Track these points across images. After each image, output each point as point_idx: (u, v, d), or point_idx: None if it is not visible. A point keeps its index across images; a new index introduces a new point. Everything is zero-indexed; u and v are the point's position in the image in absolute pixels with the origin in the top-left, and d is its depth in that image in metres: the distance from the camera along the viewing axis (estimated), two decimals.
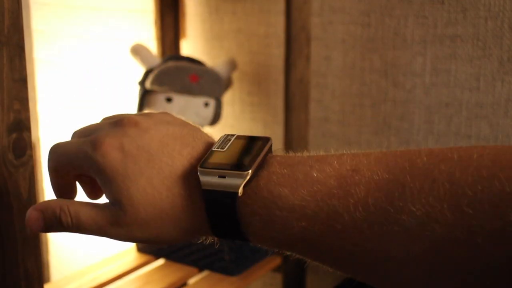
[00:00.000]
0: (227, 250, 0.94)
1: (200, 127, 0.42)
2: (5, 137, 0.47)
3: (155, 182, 0.37)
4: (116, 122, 0.40)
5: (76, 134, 0.42)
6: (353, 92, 1.06)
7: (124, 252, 0.99)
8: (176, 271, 0.93)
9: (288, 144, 1.02)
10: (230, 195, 0.35)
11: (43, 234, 1.02)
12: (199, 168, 0.36)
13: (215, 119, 1.03)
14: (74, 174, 0.42)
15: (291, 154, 0.38)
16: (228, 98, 1.17)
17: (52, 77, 0.95)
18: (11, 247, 0.49)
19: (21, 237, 0.50)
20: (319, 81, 1.09)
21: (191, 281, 0.95)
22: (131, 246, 1.01)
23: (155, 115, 0.41)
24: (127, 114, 0.41)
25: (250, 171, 0.35)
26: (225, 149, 0.38)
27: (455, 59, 0.96)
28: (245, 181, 0.35)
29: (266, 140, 0.38)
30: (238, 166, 0.36)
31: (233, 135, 0.39)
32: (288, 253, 0.37)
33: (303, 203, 0.33)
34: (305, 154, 0.37)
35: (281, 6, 1.07)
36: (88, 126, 0.42)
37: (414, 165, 0.31)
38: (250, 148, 0.37)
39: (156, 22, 1.12)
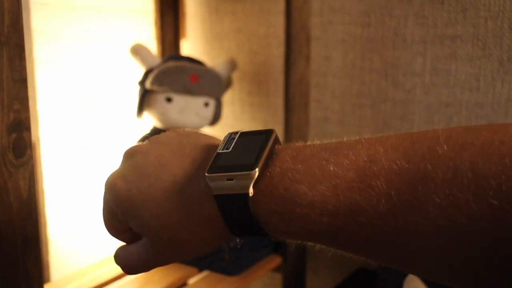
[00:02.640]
0: (227, 250, 0.94)
1: (203, 131, 0.42)
2: (5, 137, 0.47)
3: (161, 203, 0.37)
4: (122, 158, 0.42)
5: None
6: (353, 92, 1.06)
7: None
8: (176, 271, 0.93)
9: None
10: (241, 196, 0.35)
11: (43, 234, 1.02)
12: (206, 174, 0.36)
13: (215, 119, 1.03)
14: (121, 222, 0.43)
15: (300, 144, 0.37)
16: (228, 98, 1.17)
17: (52, 77, 0.95)
18: (11, 247, 0.49)
19: (21, 237, 0.50)
20: (319, 81, 1.09)
21: (191, 281, 0.95)
22: None
23: (155, 138, 0.42)
24: (131, 147, 0.42)
25: (257, 169, 0.35)
26: (230, 149, 0.37)
27: (455, 59, 0.96)
28: (254, 180, 0.35)
29: (269, 133, 0.38)
30: (244, 166, 0.35)
31: (236, 133, 0.39)
32: (311, 244, 0.37)
33: (323, 199, 0.33)
34: (316, 143, 0.37)
35: (281, 6, 1.07)
36: None
37: (433, 153, 0.30)
38: (255, 144, 0.37)
39: (156, 22, 1.12)
